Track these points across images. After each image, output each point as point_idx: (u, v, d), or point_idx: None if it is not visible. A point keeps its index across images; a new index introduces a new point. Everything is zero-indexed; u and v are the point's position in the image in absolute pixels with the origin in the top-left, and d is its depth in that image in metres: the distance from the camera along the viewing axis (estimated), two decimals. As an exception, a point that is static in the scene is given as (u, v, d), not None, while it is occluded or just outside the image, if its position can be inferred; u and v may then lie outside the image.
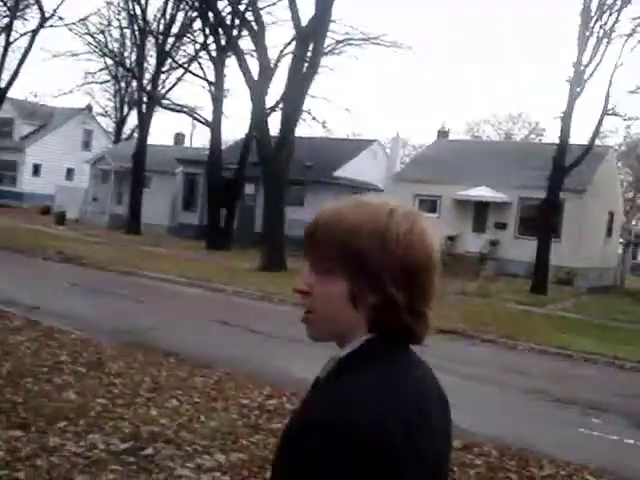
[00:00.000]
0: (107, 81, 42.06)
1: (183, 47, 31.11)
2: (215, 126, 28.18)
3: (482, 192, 28.21)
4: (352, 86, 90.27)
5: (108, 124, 52.12)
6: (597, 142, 24.71)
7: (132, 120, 51.70)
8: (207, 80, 29.05)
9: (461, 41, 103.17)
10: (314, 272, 1.27)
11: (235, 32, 25.18)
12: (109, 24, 34.72)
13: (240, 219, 30.59)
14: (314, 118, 27.44)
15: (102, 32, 34.68)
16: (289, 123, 21.42)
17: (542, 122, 63.24)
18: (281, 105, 24.43)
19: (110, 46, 35.85)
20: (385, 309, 1.23)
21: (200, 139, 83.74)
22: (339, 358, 1.26)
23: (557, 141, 22.93)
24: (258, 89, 21.68)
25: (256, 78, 21.96)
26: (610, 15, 22.04)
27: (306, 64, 21.45)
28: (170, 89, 30.30)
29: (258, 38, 21.75)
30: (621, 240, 34.85)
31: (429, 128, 69.76)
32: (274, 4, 25.33)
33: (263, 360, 9.59)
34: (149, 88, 31.17)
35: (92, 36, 33.47)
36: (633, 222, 57.90)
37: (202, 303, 15.26)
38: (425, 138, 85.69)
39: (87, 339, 9.02)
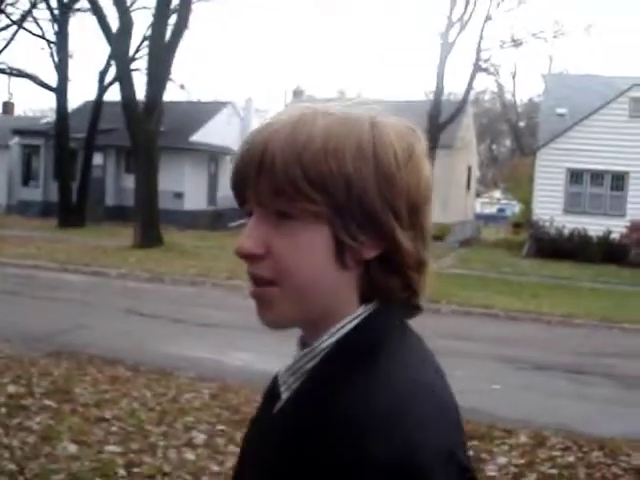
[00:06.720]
0: None
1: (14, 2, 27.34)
2: (61, 91, 25.24)
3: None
4: (200, 45, 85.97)
5: None
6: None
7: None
8: (47, 40, 25.88)
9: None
10: (269, 221, 0.83)
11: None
12: None
13: (90, 192, 28.04)
14: (171, 79, 25.28)
15: None
16: (158, 83, 19.36)
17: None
18: (138, 65, 22.27)
19: None
20: (388, 262, 0.85)
21: (21, 107, 76.69)
22: (328, 347, 0.85)
23: (431, 97, 22.66)
24: (120, 45, 19.36)
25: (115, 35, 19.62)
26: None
27: (172, 17, 19.51)
28: (2, 50, 26.67)
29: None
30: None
31: (278, 91, 69.66)
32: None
33: (224, 355, 8.23)
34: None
35: None
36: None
37: (96, 291, 13.31)
38: (274, 102, 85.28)
39: (16, 357, 7.12)
